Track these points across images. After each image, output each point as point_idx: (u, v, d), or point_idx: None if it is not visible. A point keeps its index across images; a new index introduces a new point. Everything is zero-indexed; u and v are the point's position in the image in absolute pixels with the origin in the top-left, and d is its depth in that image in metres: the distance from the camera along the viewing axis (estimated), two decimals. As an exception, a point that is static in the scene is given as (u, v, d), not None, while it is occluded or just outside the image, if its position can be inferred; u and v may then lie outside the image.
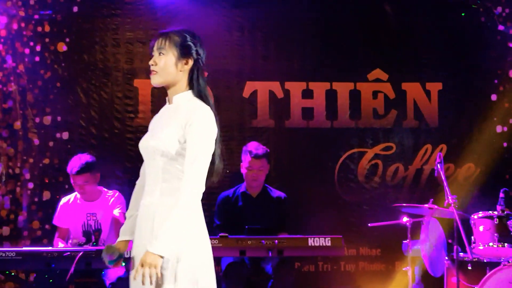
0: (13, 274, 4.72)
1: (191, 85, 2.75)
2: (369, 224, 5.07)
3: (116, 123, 5.69)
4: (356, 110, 5.88)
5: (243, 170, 5.05)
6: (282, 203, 5.10)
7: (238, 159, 5.17)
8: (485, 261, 4.72)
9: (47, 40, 5.63)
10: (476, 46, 5.92)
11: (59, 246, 4.73)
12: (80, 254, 4.14)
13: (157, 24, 5.60)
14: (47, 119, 5.62)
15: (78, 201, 4.96)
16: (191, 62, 2.74)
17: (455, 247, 4.61)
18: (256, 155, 4.97)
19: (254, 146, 5.03)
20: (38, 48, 5.61)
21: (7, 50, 5.59)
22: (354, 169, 5.85)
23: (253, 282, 4.81)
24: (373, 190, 5.86)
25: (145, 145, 2.76)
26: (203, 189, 2.62)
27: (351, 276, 5.73)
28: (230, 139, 5.65)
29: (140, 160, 2.85)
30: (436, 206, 4.71)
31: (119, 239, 2.83)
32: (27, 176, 5.57)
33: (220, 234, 4.65)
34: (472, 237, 4.67)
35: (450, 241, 4.82)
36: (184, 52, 2.72)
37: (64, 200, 5.02)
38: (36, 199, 5.55)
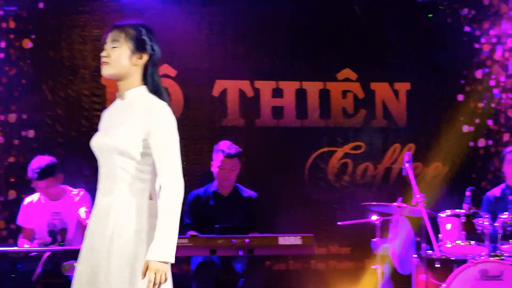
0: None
1: (145, 80, 2.68)
2: (338, 223, 5.09)
3: (83, 121, 5.60)
4: (325, 109, 5.91)
5: (214, 169, 5.02)
6: (253, 202, 5.08)
7: (208, 158, 5.13)
8: (452, 258, 4.77)
9: (12, 36, 5.51)
10: (443, 47, 6.00)
11: (24, 247, 4.64)
12: (48, 254, 4.08)
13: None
14: (12, 117, 5.50)
15: (42, 200, 4.89)
16: (145, 57, 2.68)
17: (423, 245, 4.66)
18: (228, 155, 4.94)
19: (226, 145, 4.99)
20: (2, 45, 5.50)
21: (-29, 47, 5.47)
22: (324, 168, 5.87)
23: (223, 281, 4.79)
24: (343, 189, 5.89)
25: (99, 143, 2.66)
26: (183, 185, 2.60)
27: (322, 275, 5.75)
28: (200, 138, 5.62)
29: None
30: (404, 205, 4.75)
31: None
32: (-8, 174, 5.46)
33: (189, 233, 4.62)
34: (440, 235, 4.73)
35: (418, 239, 4.86)
36: (138, 46, 2.66)
37: (27, 200, 4.93)
38: (1, 198, 5.44)
